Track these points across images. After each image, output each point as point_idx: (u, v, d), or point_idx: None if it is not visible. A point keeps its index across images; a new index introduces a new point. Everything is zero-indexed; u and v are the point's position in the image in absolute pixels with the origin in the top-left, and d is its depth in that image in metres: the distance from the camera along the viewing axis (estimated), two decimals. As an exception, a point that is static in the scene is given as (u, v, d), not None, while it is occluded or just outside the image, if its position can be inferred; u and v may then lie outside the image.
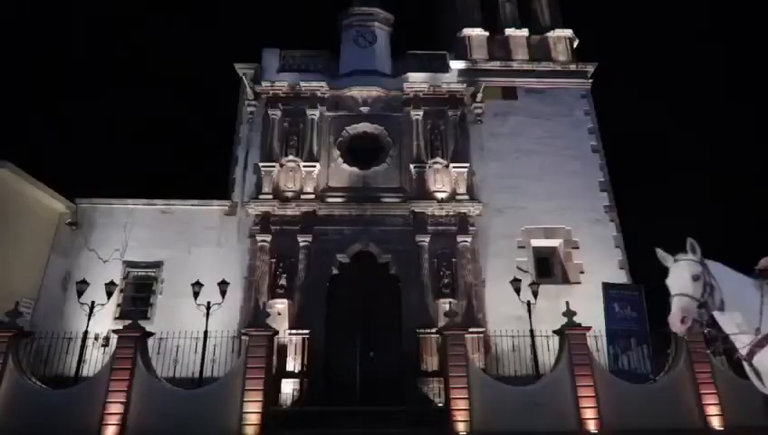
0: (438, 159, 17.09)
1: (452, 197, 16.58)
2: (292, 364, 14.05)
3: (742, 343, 3.69)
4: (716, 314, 3.75)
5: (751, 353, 3.62)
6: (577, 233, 16.54)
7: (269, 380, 11.05)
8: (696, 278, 3.72)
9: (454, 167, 16.94)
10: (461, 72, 18.84)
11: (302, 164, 16.91)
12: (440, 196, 16.57)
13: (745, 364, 3.77)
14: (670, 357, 11.54)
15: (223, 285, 13.65)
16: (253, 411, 10.13)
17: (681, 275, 3.76)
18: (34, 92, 36.79)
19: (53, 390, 10.28)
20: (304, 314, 14.83)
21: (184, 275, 14.52)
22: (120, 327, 11.24)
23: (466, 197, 16.57)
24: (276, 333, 12.19)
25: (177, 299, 14.33)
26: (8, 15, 33.15)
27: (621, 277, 15.72)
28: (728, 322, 3.76)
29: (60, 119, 35.21)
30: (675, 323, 3.57)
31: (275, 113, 17.74)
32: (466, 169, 16.96)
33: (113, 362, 10.32)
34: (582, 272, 15.98)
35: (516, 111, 18.33)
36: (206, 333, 12.54)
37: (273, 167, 16.82)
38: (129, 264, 15.79)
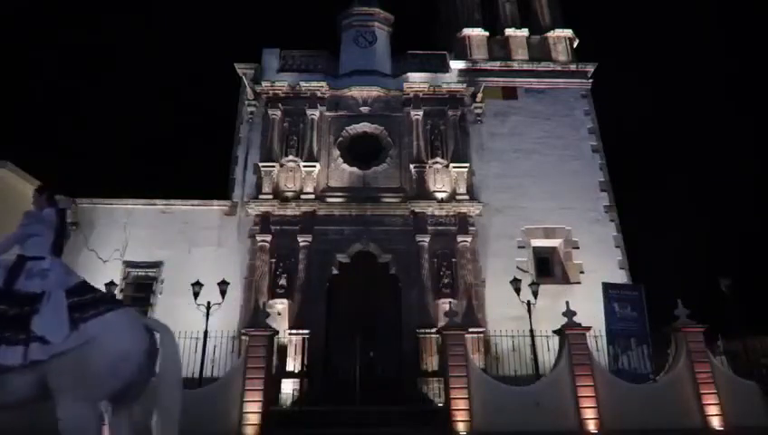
0: (438, 159, 17.08)
1: (452, 197, 16.57)
2: (292, 364, 14.05)
3: None
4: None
5: None
6: (577, 233, 16.53)
7: (269, 380, 11.03)
8: None
9: (454, 167, 16.93)
10: (461, 72, 18.82)
11: (302, 164, 16.90)
12: (440, 196, 16.56)
13: None
14: (670, 357, 11.55)
15: (223, 285, 13.64)
16: (253, 411, 10.13)
17: None
18: (34, 92, 36.81)
19: (53, 390, 10.27)
20: (304, 314, 14.81)
21: (184, 275, 14.49)
22: (120, 327, 11.18)
23: (466, 197, 16.56)
24: (276, 333, 12.17)
25: (177, 299, 14.30)
26: (8, 13, 33.16)
27: (621, 277, 15.71)
28: None
29: (60, 119, 35.24)
30: None
31: (275, 113, 17.72)
32: (466, 169, 16.95)
33: (113, 362, 10.29)
34: (582, 272, 15.97)
35: (516, 111, 18.32)
36: (205, 333, 12.54)
37: (273, 167, 16.81)
38: (128, 264, 15.77)
